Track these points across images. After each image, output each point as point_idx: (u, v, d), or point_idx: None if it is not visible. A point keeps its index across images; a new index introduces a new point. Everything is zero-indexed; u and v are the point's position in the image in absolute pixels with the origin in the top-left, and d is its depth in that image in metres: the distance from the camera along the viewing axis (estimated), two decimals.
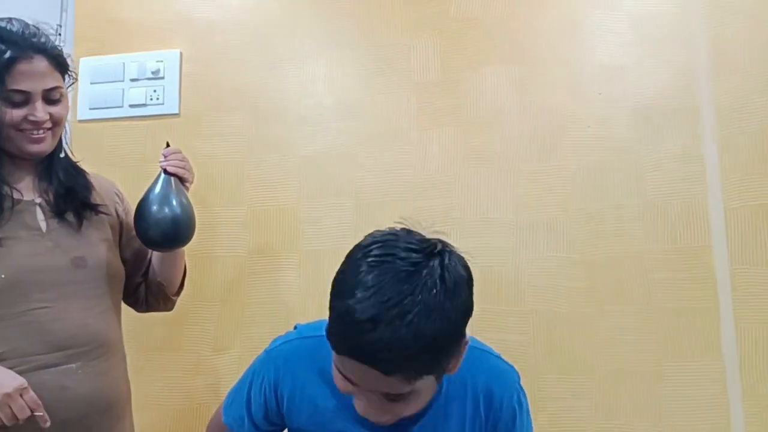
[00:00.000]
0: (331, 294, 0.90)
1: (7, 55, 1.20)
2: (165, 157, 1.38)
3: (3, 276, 1.19)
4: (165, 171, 1.36)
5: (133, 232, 1.38)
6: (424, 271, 0.86)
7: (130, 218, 1.40)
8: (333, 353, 0.89)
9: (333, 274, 1.28)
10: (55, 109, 1.27)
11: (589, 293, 1.55)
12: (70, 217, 1.29)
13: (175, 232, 1.33)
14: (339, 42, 1.76)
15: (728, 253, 1.50)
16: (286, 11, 1.80)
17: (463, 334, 0.93)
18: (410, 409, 0.93)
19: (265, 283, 1.72)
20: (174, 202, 1.34)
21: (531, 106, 1.64)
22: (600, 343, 1.53)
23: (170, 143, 1.41)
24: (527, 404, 1.06)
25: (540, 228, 1.60)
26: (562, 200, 1.59)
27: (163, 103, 1.81)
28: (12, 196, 1.24)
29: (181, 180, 1.38)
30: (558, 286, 1.57)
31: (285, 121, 1.77)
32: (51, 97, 1.26)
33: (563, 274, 1.57)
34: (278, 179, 1.75)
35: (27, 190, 1.28)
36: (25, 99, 1.23)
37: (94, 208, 1.34)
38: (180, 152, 1.40)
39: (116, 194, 1.44)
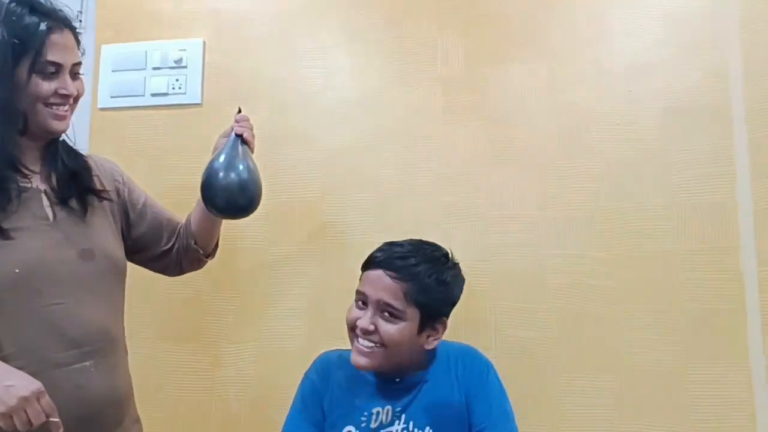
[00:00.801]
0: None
1: (43, 26, 1.19)
2: (237, 122, 1.40)
3: (17, 271, 1.16)
4: (238, 136, 1.38)
5: (140, 207, 1.39)
6: (433, 249, 1.35)
7: (134, 194, 1.40)
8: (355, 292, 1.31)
9: (355, 269, 1.36)
10: (78, 85, 1.27)
11: (614, 292, 1.54)
12: (74, 204, 1.27)
13: (244, 198, 1.35)
14: (363, 34, 1.75)
15: (756, 254, 1.48)
16: (310, 2, 1.78)
17: (445, 312, 1.33)
18: (392, 337, 1.25)
19: (287, 276, 1.71)
20: (242, 167, 1.35)
21: (558, 103, 1.62)
22: (624, 343, 1.52)
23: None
24: (494, 370, 1.35)
25: (565, 225, 1.58)
26: (589, 198, 1.58)
27: (185, 93, 1.80)
28: (18, 183, 1.21)
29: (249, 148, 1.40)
30: (582, 285, 1.56)
31: (308, 113, 1.75)
32: (75, 72, 1.26)
33: (588, 272, 1.56)
34: (301, 172, 1.73)
35: (33, 175, 1.25)
36: (56, 71, 1.22)
37: (98, 194, 1.32)
38: (249, 119, 1.43)
39: (115, 173, 1.41)
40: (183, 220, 1.48)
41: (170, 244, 1.44)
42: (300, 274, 1.71)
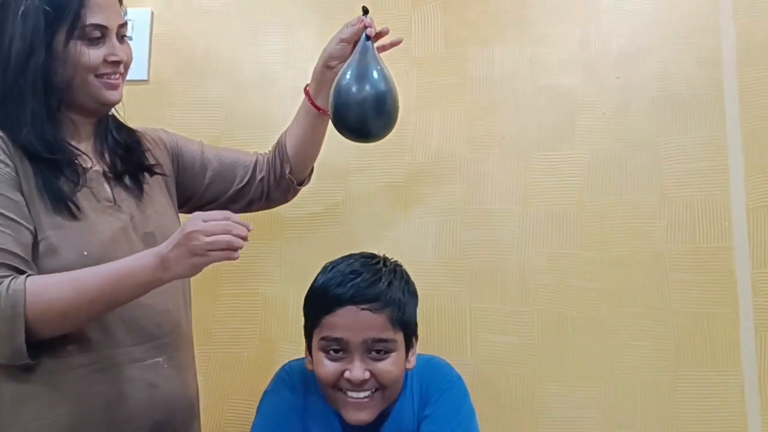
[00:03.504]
0: (309, 292, 1.14)
1: None
2: (368, 25, 1.22)
3: (86, 253, 1.04)
4: (369, 38, 1.20)
5: (199, 161, 1.29)
6: (383, 262, 1.16)
7: (189, 154, 1.30)
8: (317, 341, 1.09)
9: (315, 262, 1.19)
10: (126, 50, 1.13)
11: (601, 294, 1.43)
12: (128, 182, 1.16)
13: (384, 115, 1.19)
14: (329, 8, 1.60)
15: (750, 255, 1.39)
16: None
17: (415, 322, 1.15)
18: (390, 374, 1.08)
19: (239, 270, 1.55)
20: (377, 76, 1.18)
21: (543, 88, 1.50)
22: (611, 349, 1.42)
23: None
24: (459, 385, 1.17)
25: (549, 222, 1.47)
26: (575, 192, 1.47)
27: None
28: (81, 164, 1.10)
29: None
30: (567, 286, 1.44)
31: (267, 92, 1.61)
32: (122, 34, 1.12)
33: (573, 272, 1.44)
34: None
35: (88, 155, 1.13)
36: (102, 36, 1.07)
37: (151, 170, 1.20)
38: None
39: (165, 140, 1.29)
40: (258, 153, 1.37)
41: (246, 179, 1.32)
42: (254, 272, 1.56)
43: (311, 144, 1.36)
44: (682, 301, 1.40)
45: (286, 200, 1.40)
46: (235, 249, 0.97)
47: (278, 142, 1.36)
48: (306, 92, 1.34)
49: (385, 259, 1.17)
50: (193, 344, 1.25)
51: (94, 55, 1.07)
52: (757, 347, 1.37)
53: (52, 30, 1.05)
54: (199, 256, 0.96)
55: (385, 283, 1.09)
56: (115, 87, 1.12)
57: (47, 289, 0.97)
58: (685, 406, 1.38)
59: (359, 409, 1.08)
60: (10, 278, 0.96)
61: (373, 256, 1.17)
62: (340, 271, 1.11)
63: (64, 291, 0.98)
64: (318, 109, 1.32)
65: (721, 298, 1.39)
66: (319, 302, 1.10)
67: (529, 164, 1.49)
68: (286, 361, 1.24)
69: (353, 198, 1.55)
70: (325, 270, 1.14)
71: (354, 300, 1.07)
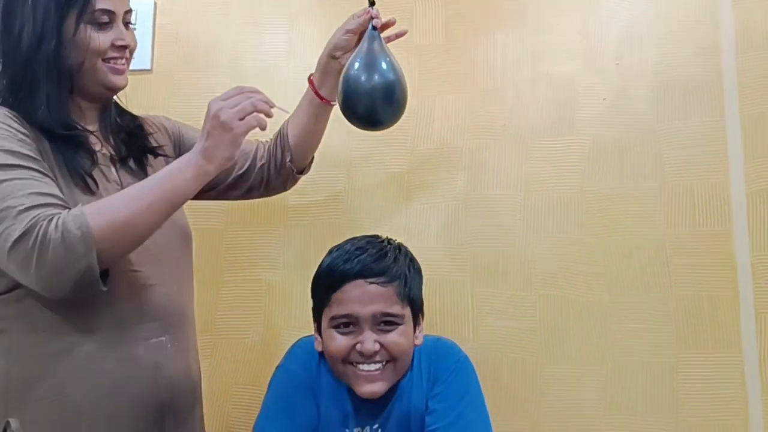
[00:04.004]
0: (316, 274, 1.16)
1: None
2: (374, 16, 1.25)
3: None
4: (375, 29, 1.22)
5: (194, 140, 1.23)
6: (387, 240, 1.18)
7: (190, 133, 1.30)
8: (327, 320, 1.11)
9: (318, 249, 1.22)
10: (132, 36, 1.15)
11: (602, 279, 1.44)
12: (133, 165, 1.18)
13: (392, 102, 1.20)
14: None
15: (750, 239, 1.40)
16: None
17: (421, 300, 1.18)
18: (399, 346, 1.09)
19: (243, 257, 1.57)
20: (386, 65, 1.19)
21: (543, 75, 1.51)
22: (612, 333, 1.43)
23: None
24: (466, 365, 1.18)
25: (551, 208, 1.48)
26: (576, 178, 1.47)
27: (133, 58, 1.62)
28: (92, 145, 1.12)
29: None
30: (569, 271, 1.45)
31: (271, 83, 1.61)
32: (127, 21, 1.14)
33: (574, 258, 1.45)
34: None
35: (95, 139, 1.15)
36: (109, 21, 1.10)
37: (155, 152, 1.22)
38: None
39: (166, 125, 1.31)
40: (259, 141, 1.38)
41: (246, 166, 1.33)
42: (258, 258, 1.57)
43: (313, 133, 1.37)
44: (683, 285, 1.41)
45: (285, 188, 1.41)
46: (260, 111, 1.02)
47: (280, 131, 1.37)
48: (310, 82, 1.35)
49: (389, 239, 1.19)
50: (195, 328, 1.25)
51: (102, 39, 1.09)
52: (757, 330, 1.38)
53: (63, 14, 1.07)
54: (234, 128, 1.01)
55: (391, 258, 1.12)
56: (121, 72, 1.14)
57: (105, 204, 1.00)
58: (685, 389, 1.39)
59: (371, 381, 1.09)
60: (66, 210, 0.98)
61: (376, 236, 1.19)
62: (346, 250, 1.13)
63: (123, 201, 1.00)
64: (321, 98, 1.33)
65: (721, 282, 1.40)
66: (327, 281, 1.12)
67: (530, 151, 1.50)
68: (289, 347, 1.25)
69: (356, 186, 1.56)
70: (330, 252, 1.16)
71: (362, 274, 1.09)
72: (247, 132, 1.02)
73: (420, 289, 1.18)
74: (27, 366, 1.03)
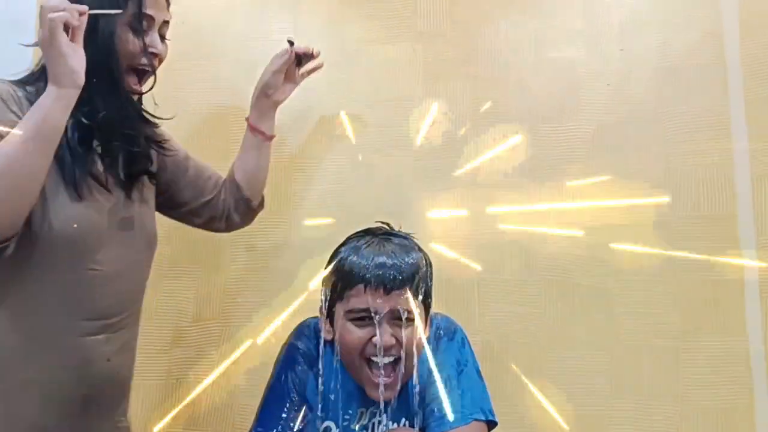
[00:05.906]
0: (334, 268, 1.16)
1: None
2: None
3: (75, 226, 1.09)
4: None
5: (180, 160, 1.32)
6: (399, 233, 1.21)
7: (172, 150, 1.30)
8: (342, 312, 1.13)
9: (316, 241, 1.24)
10: (164, 48, 1.18)
11: (606, 263, 1.44)
12: (118, 166, 1.18)
13: None
14: None
15: (754, 222, 1.41)
16: None
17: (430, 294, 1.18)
18: (412, 340, 1.12)
19: (248, 252, 1.58)
20: None
21: (547, 61, 1.52)
22: (617, 316, 1.43)
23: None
24: (461, 337, 1.22)
25: (555, 192, 1.48)
26: (580, 163, 1.48)
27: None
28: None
29: None
30: (573, 255, 1.46)
31: None
32: (163, 33, 1.17)
33: (579, 242, 1.46)
34: None
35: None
36: (148, 27, 1.12)
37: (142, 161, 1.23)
38: None
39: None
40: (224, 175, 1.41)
41: (213, 194, 1.36)
42: (265, 250, 1.57)
43: (259, 169, 1.40)
44: (687, 270, 1.42)
45: (244, 224, 1.43)
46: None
47: (230, 169, 1.40)
48: (248, 121, 1.40)
49: (404, 235, 1.20)
50: (138, 329, 1.26)
51: (137, 43, 1.11)
52: (763, 313, 1.38)
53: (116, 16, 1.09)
54: (51, 38, 0.99)
55: (412, 270, 1.12)
56: (144, 81, 1.17)
57: None
58: (691, 372, 1.40)
59: (384, 389, 1.11)
60: None
61: (384, 224, 1.23)
62: (365, 256, 1.13)
63: None
64: (262, 134, 1.39)
65: (725, 265, 1.40)
66: (345, 281, 1.13)
67: (534, 136, 1.50)
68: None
69: (364, 171, 1.56)
70: (347, 244, 1.17)
71: (383, 284, 1.10)
72: (57, 28, 0.99)
73: (431, 281, 1.18)
74: None
